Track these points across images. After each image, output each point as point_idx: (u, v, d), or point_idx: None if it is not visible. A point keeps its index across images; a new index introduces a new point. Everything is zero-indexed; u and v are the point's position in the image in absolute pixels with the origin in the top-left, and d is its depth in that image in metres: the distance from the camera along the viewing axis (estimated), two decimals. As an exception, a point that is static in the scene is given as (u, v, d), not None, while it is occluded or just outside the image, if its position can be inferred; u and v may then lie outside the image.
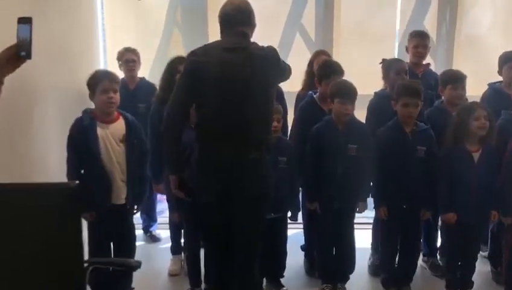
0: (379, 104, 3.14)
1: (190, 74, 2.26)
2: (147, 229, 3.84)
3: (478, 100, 3.15)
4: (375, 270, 3.25)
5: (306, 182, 2.92)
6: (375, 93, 3.28)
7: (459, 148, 2.69)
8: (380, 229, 2.97)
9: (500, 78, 3.34)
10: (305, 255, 3.34)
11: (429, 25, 4.10)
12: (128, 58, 3.51)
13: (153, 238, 3.81)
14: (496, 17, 4.23)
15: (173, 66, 3.02)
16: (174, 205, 2.84)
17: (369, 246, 3.35)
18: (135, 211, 2.75)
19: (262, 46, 2.30)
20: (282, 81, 2.57)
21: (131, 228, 2.75)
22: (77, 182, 1.48)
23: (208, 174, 2.28)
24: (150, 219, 3.83)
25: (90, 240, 2.62)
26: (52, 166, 2.71)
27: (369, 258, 3.35)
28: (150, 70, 3.86)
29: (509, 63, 3.23)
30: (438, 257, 3.30)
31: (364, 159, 2.78)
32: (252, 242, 2.37)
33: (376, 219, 3.26)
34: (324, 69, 3.07)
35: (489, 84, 3.37)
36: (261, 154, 2.27)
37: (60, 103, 2.90)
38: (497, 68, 3.34)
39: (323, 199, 2.82)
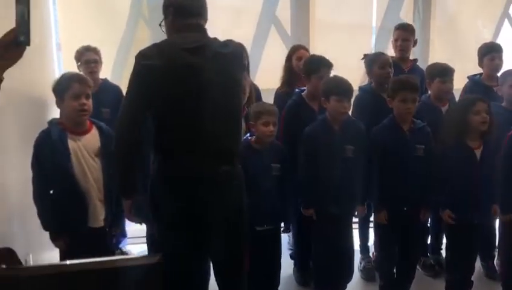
0: (364, 99, 3.01)
1: (143, 81, 1.85)
2: (116, 246, 3.47)
3: (456, 90, 3.09)
4: (368, 274, 3.13)
5: (300, 186, 2.70)
6: (360, 87, 3.14)
7: (460, 146, 2.58)
8: (377, 234, 2.82)
9: (479, 70, 3.31)
10: (295, 264, 3.15)
11: (405, 17, 4.01)
12: (89, 58, 3.12)
13: (123, 255, 3.45)
14: (469, 4, 4.23)
15: None
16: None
17: (356, 248, 3.21)
18: (114, 234, 2.42)
19: (226, 42, 1.97)
20: None
21: (111, 253, 2.41)
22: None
23: (170, 191, 1.93)
24: (119, 234, 3.46)
25: (63, 271, 2.26)
26: (11, 187, 2.32)
27: (360, 262, 3.23)
28: (113, 71, 3.47)
29: (489, 55, 3.20)
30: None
31: (362, 160, 2.62)
32: (236, 265, 2.09)
33: (364, 220, 3.16)
34: (312, 63, 2.88)
35: (469, 77, 3.34)
36: (233, 167, 1.98)
37: (16, 110, 2.50)
38: (472, 56, 3.30)
39: (319, 204, 2.63)
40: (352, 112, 3.00)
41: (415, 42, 3.33)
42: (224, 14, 3.80)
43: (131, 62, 2.81)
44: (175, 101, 1.87)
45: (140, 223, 2.16)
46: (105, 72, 3.29)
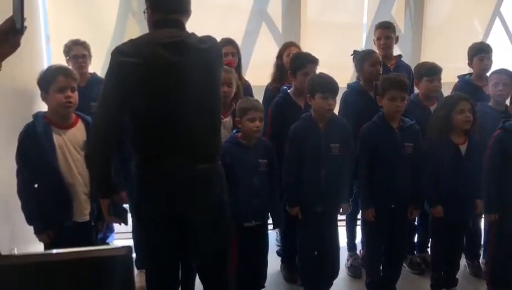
0: (352, 97, 3.01)
1: (119, 78, 1.80)
2: (103, 241, 3.45)
3: (446, 88, 3.11)
4: (355, 271, 3.15)
5: (286, 185, 2.69)
6: (348, 85, 3.14)
7: (445, 141, 2.61)
8: (365, 231, 2.84)
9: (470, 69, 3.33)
10: (282, 261, 3.16)
11: (396, 15, 4.01)
12: (78, 53, 3.08)
13: (110, 251, 3.44)
14: (461, 2, 4.24)
15: None
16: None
17: (344, 245, 3.22)
18: (100, 229, 2.40)
19: (203, 38, 1.93)
20: None
21: (97, 247, 2.39)
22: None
23: (149, 191, 1.92)
24: (106, 228, 3.44)
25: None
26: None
27: (347, 259, 3.24)
28: (103, 64, 3.44)
29: (479, 55, 3.21)
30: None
31: (347, 158, 2.62)
32: (218, 263, 2.10)
33: (351, 217, 3.17)
34: (297, 60, 2.87)
35: (459, 77, 3.34)
36: (213, 164, 1.97)
37: (4, 103, 2.48)
38: (463, 55, 3.31)
39: (305, 202, 2.63)
40: (339, 108, 3.01)
41: (397, 39, 3.33)
42: (215, 10, 3.78)
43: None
44: (151, 99, 1.83)
45: (120, 224, 2.10)
46: (96, 66, 3.25)
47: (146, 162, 1.91)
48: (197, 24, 3.87)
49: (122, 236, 3.54)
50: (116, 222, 2.13)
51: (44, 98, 2.19)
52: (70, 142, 2.20)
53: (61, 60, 3.10)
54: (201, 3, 3.79)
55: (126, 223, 2.07)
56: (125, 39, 3.58)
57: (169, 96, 1.83)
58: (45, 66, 3.32)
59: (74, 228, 2.22)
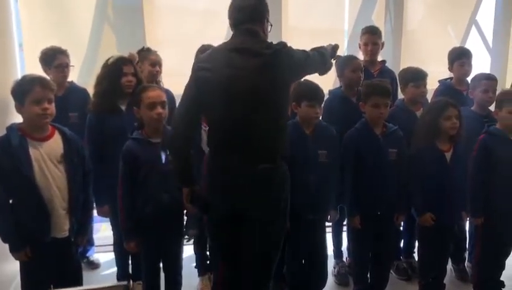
0: (334, 103, 2.99)
1: (194, 82, 2.06)
2: (82, 255, 3.35)
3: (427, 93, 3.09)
4: (342, 279, 3.12)
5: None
6: (330, 91, 3.12)
7: (431, 148, 2.60)
8: (351, 238, 2.81)
9: (448, 73, 3.35)
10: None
11: (377, 20, 4.02)
12: (62, 62, 2.97)
13: (90, 265, 3.33)
14: (439, 9, 4.28)
15: (117, 67, 2.62)
16: (130, 232, 2.36)
17: (331, 253, 3.19)
18: (80, 244, 2.31)
19: (270, 44, 2.06)
20: (310, 73, 2.27)
21: (77, 265, 2.30)
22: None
23: (215, 187, 2.12)
24: (86, 242, 3.33)
25: (24, 284, 2.15)
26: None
27: (334, 267, 3.20)
28: (79, 74, 3.34)
29: (460, 60, 3.22)
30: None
31: (334, 165, 2.59)
32: (266, 263, 2.18)
33: (338, 225, 3.14)
34: None
35: (440, 81, 3.36)
36: (274, 165, 2.06)
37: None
38: (441, 60, 3.32)
39: (294, 210, 2.57)
40: (322, 115, 2.98)
41: (382, 45, 3.33)
42: (194, 15, 3.73)
43: (98, 65, 2.76)
44: (218, 100, 2.00)
45: (198, 213, 2.28)
46: (71, 75, 3.15)
47: (214, 156, 2.12)
48: (177, 29, 3.82)
49: (102, 249, 3.45)
50: (192, 211, 2.26)
51: (19, 109, 2.08)
52: (47, 155, 2.10)
53: (35, 68, 2.99)
54: (181, 8, 3.74)
55: (204, 213, 2.22)
56: (101, 47, 3.57)
57: (234, 98, 1.98)
58: (19, 74, 3.21)
59: (53, 244, 2.13)
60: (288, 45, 2.10)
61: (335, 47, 2.33)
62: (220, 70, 1.99)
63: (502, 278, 2.87)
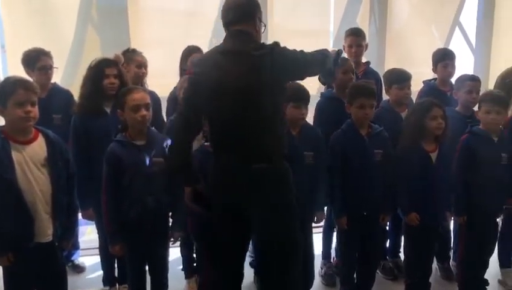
0: (326, 105, 2.99)
1: (190, 85, 2.15)
2: (68, 259, 3.31)
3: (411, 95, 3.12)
4: (329, 279, 3.12)
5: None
6: (322, 94, 3.13)
7: (416, 149, 2.62)
8: (338, 239, 2.82)
9: (432, 74, 3.38)
10: (256, 272, 3.09)
11: (361, 22, 4.05)
12: (46, 64, 2.93)
13: (76, 268, 3.30)
14: (423, 11, 4.33)
15: (99, 69, 2.61)
16: (115, 235, 2.34)
17: (318, 253, 3.20)
18: (65, 248, 2.28)
19: (263, 45, 2.08)
20: (309, 75, 2.26)
21: (62, 269, 2.27)
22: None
23: (214, 187, 2.17)
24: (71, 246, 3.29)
25: (7, 289, 2.11)
26: None
27: (321, 268, 3.21)
28: (62, 76, 3.30)
29: (443, 62, 3.26)
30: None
31: (321, 166, 2.60)
32: (278, 261, 2.17)
33: (327, 226, 3.16)
34: None
35: (424, 82, 3.39)
36: (271, 164, 2.08)
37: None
38: (425, 61, 3.35)
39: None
40: (314, 118, 2.99)
41: (366, 46, 3.36)
42: (179, 17, 3.71)
43: (82, 67, 2.73)
44: (210, 101, 2.06)
45: (201, 212, 2.27)
46: (55, 76, 3.11)
47: (214, 156, 2.17)
48: (162, 30, 3.81)
49: (87, 253, 3.41)
50: (196, 210, 2.26)
51: (2, 112, 2.04)
52: (30, 159, 2.06)
53: (17, 70, 2.95)
54: (166, 10, 3.72)
55: (207, 211, 2.22)
56: (85, 49, 3.54)
57: (225, 100, 2.02)
58: (1, 76, 3.17)
59: (37, 249, 2.09)
60: (282, 45, 2.09)
61: (339, 52, 2.30)
62: (210, 73, 2.04)
63: (485, 277, 2.91)
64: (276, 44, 2.08)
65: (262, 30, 2.20)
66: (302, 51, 2.15)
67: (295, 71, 2.15)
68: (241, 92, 2.00)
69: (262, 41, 2.18)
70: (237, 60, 2.03)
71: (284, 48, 2.09)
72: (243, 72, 2.00)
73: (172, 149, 2.21)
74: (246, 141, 2.06)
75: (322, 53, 2.21)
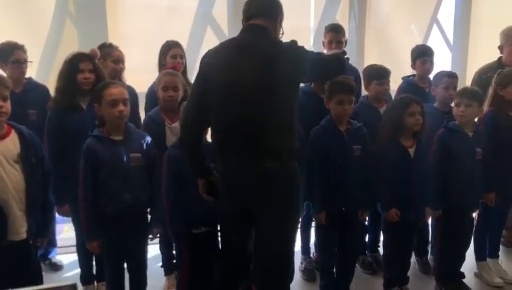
0: (305, 101, 2.98)
1: (200, 76, 2.08)
2: (44, 257, 3.26)
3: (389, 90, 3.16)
4: (309, 274, 3.14)
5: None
6: (300, 88, 3.11)
7: (395, 144, 2.65)
8: (318, 234, 2.83)
9: (410, 70, 3.42)
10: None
11: (341, 18, 4.07)
12: (20, 58, 2.86)
13: (53, 267, 3.25)
14: (401, 8, 4.36)
15: (73, 63, 2.56)
16: (92, 231, 2.30)
17: (298, 249, 3.21)
18: (39, 246, 2.24)
19: (278, 42, 2.04)
20: (321, 80, 2.35)
21: (36, 268, 2.23)
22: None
23: (223, 187, 2.10)
24: (48, 244, 3.23)
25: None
26: None
27: (301, 263, 3.22)
28: (38, 70, 3.23)
29: (421, 58, 3.29)
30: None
31: (301, 161, 2.59)
32: (278, 267, 2.11)
33: (305, 222, 3.17)
34: None
35: (403, 78, 3.42)
36: (282, 164, 1.99)
37: None
38: (404, 57, 3.39)
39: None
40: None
41: (346, 42, 3.37)
42: (158, 11, 3.67)
43: (59, 62, 2.68)
44: (218, 96, 1.99)
45: (214, 202, 2.18)
46: (29, 71, 3.04)
47: (220, 157, 2.08)
48: (141, 24, 3.76)
49: (65, 251, 3.36)
50: (210, 200, 2.19)
51: (-28, 107, 2.00)
52: (3, 155, 2.02)
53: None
54: (144, 4, 3.68)
55: (218, 200, 2.17)
56: (62, 43, 3.47)
57: (234, 96, 1.95)
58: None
59: (10, 247, 2.05)
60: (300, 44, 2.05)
61: (344, 53, 2.31)
62: (220, 67, 1.98)
63: (462, 270, 2.96)
64: (294, 42, 2.03)
65: (281, 35, 2.15)
66: (319, 53, 2.16)
67: (312, 72, 2.10)
68: (253, 88, 1.93)
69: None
70: (250, 54, 1.95)
71: (302, 47, 2.04)
72: (255, 68, 1.93)
73: (184, 141, 2.16)
74: (256, 139, 1.96)
75: (337, 58, 2.21)
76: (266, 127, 1.96)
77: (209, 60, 2.04)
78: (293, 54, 1.98)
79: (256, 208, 2.03)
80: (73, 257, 2.99)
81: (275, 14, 2.09)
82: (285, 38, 2.42)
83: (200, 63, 2.09)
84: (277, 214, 2.02)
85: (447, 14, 4.53)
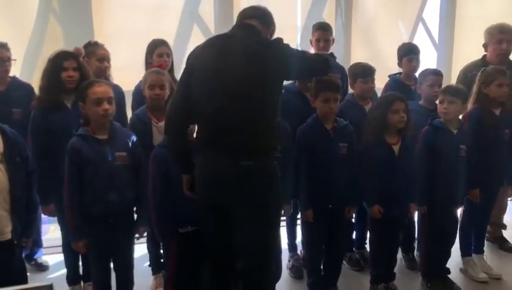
0: (291, 99, 2.99)
1: (186, 71, 2.09)
2: (30, 257, 3.23)
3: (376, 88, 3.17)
4: (296, 272, 3.15)
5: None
6: (284, 87, 3.11)
7: (379, 141, 2.67)
8: (305, 231, 2.84)
9: (396, 68, 3.44)
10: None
11: (328, 16, 4.08)
12: (3, 56, 2.83)
13: (39, 267, 3.22)
14: (387, 7, 4.39)
15: (57, 62, 2.54)
16: (78, 231, 2.28)
17: (285, 246, 3.22)
18: (24, 246, 2.21)
19: (265, 39, 2.06)
20: (306, 78, 2.37)
21: (21, 268, 2.21)
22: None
23: (199, 182, 2.09)
24: (33, 244, 3.20)
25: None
26: None
27: (289, 260, 3.23)
28: (22, 69, 3.20)
29: (408, 56, 3.32)
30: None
31: (288, 160, 2.60)
32: (258, 266, 2.08)
33: (291, 219, 3.18)
34: None
35: (389, 76, 3.44)
36: (260, 162, 1.98)
37: None
38: (390, 56, 3.42)
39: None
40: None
41: (333, 41, 3.38)
42: (145, 10, 3.65)
43: (43, 60, 2.65)
44: (202, 90, 1.99)
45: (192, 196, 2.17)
46: (14, 69, 3.01)
47: (199, 150, 2.07)
48: (127, 22, 3.73)
49: (51, 251, 3.33)
50: (193, 197, 2.16)
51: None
52: (-14, 154, 2.00)
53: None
54: (131, 1, 3.65)
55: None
56: (46, 41, 3.44)
57: (216, 91, 1.95)
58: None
59: (-6, 248, 2.03)
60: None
61: (332, 55, 2.33)
62: (206, 63, 1.98)
63: (447, 265, 3.00)
64: (279, 40, 2.03)
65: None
66: (303, 51, 2.16)
67: (297, 70, 2.10)
68: (236, 85, 1.92)
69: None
70: (236, 51, 1.95)
71: (287, 45, 2.04)
72: (240, 65, 1.93)
73: (169, 131, 2.15)
74: (236, 136, 1.95)
75: (322, 56, 2.22)
76: (247, 125, 1.95)
77: (196, 56, 2.04)
78: (278, 52, 1.98)
79: (232, 206, 2.02)
80: (60, 257, 2.96)
81: (268, 22, 2.14)
82: (273, 36, 2.43)
83: (187, 59, 2.09)
84: (254, 213, 1.99)
85: (432, 13, 4.58)
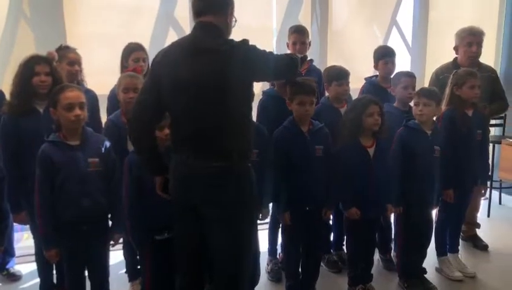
0: (269, 103, 3.00)
1: (150, 75, 2.09)
2: (2, 267, 3.15)
3: (352, 90, 3.20)
4: (275, 275, 3.15)
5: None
6: (263, 92, 3.13)
7: (354, 144, 2.69)
8: (283, 234, 2.83)
9: (372, 71, 3.48)
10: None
11: (303, 19, 4.10)
12: None
13: (11, 277, 3.14)
14: (362, 11, 4.43)
15: (28, 66, 2.49)
16: (50, 239, 2.23)
17: (264, 250, 3.21)
18: (-5, 254, 2.15)
19: (230, 41, 2.00)
20: (275, 79, 2.34)
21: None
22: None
23: (171, 179, 2.08)
24: (5, 253, 3.12)
25: None
26: None
27: (268, 264, 3.23)
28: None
29: (384, 59, 3.35)
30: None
31: (266, 163, 2.60)
32: (232, 270, 2.05)
33: (273, 223, 3.18)
34: None
35: (366, 79, 3.48)
36: (231, 164, 1.96)
37: None
38: (365, 58, 3.44)
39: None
40: (257, 115, 2.99)
41: (309, 44, 3.40)
42: (120, 11, 3.59)
43: (13, 64, 2.59)
44: (169, 94, 1.98)
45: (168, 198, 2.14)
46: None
47: (173, 152, 2.07)
48: (101, 25, 3.67)
49: (24, 260, 3.25)
50: (167, 198, 2.13)
51: None
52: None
53: None
54: (104, 4, 3.59)
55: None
56: (17, 44, 3.35)
57: (183, 94, 1.93)
58: None
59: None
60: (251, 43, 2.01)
61: (303, 58, 2.31)
62: (170, 66, 1.97)
63: (424, 265, 3.03)
64: (245, 41, 2.00)
65: (233, 24, 2.09)
66: (271, 52, 2.11)
67: (265, 71, 2.08)
68: (204, 88, 1.91)
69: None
70: (201, 54, 1.92)
71: (254, 46, 2.02)
72: (206, 68, 1.90)
73: (135, 137, 2.10)
74: (207, 138, 1.95)
75: (291, 57, 2.21)
76: (217, 126, 1.95)
77: (159, 60, 2.03)
78: (244, 53, 1.96)
79: (203, 208, 2.00)
80: (33, 266, 2.88)
81: (224, 7, 2.02)
82: (248, 38, 2.42)
83: (152, 64, 2.09)
84: (225, 216, 1.98)
85: (405, 16, 4.64)
